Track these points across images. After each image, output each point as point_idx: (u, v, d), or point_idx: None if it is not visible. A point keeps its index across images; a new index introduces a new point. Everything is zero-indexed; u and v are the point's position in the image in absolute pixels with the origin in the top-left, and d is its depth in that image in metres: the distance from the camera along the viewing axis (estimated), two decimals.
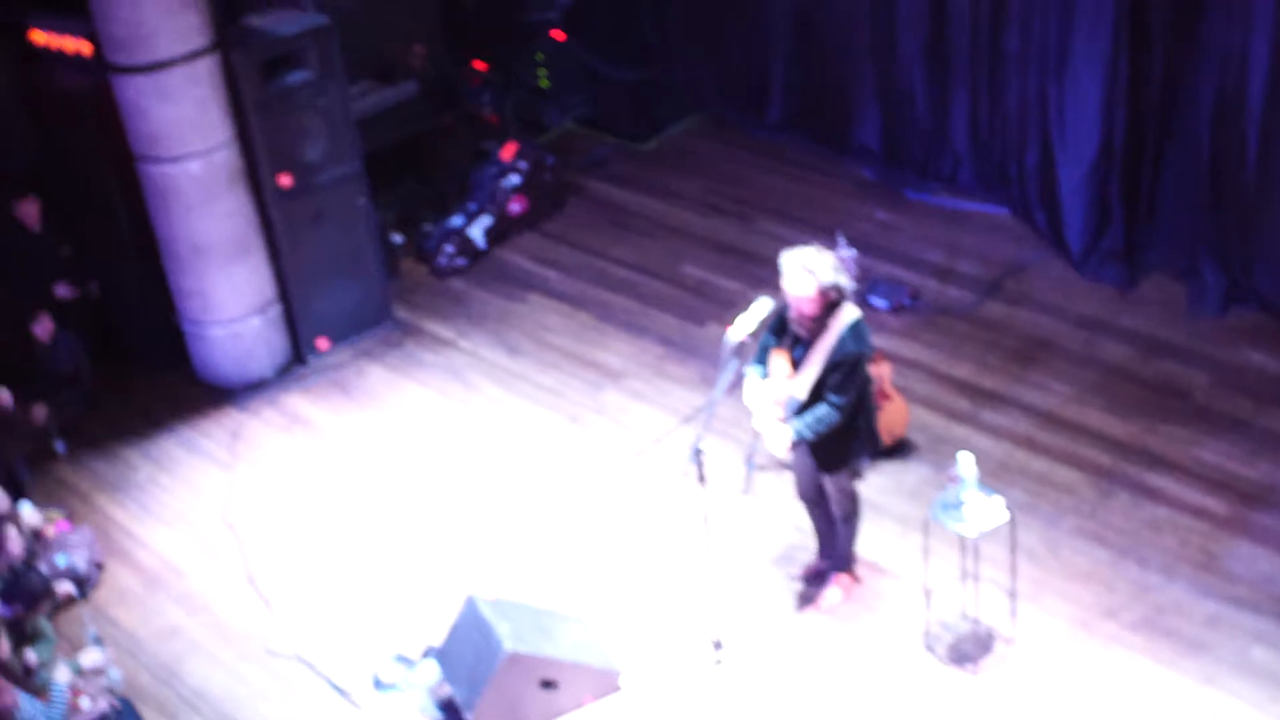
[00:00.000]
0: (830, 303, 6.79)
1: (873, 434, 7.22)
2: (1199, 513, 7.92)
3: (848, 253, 8.10)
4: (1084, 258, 10.04)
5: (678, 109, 12.70)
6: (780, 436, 6.86)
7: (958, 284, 10.18)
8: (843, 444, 7.03)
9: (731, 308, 7.05)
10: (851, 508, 7.40)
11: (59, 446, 9.45)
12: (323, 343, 10.17)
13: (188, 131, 9.27)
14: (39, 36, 9.67)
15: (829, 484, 7.26)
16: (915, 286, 10.10)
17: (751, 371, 7.05)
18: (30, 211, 9.63)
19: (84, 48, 9.34)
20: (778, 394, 6.96)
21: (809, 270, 6.73)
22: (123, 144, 9.39)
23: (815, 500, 7.48)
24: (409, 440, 9.32)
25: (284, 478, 9.14)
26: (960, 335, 9.65)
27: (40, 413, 9.30)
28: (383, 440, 9.36)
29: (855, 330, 6.82)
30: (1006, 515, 6.92)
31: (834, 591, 7.62)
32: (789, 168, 11.77)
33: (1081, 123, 9.89)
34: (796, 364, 6.94)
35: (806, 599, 7.68)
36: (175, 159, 9.28)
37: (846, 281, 6.88)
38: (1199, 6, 9.18)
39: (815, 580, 7.74)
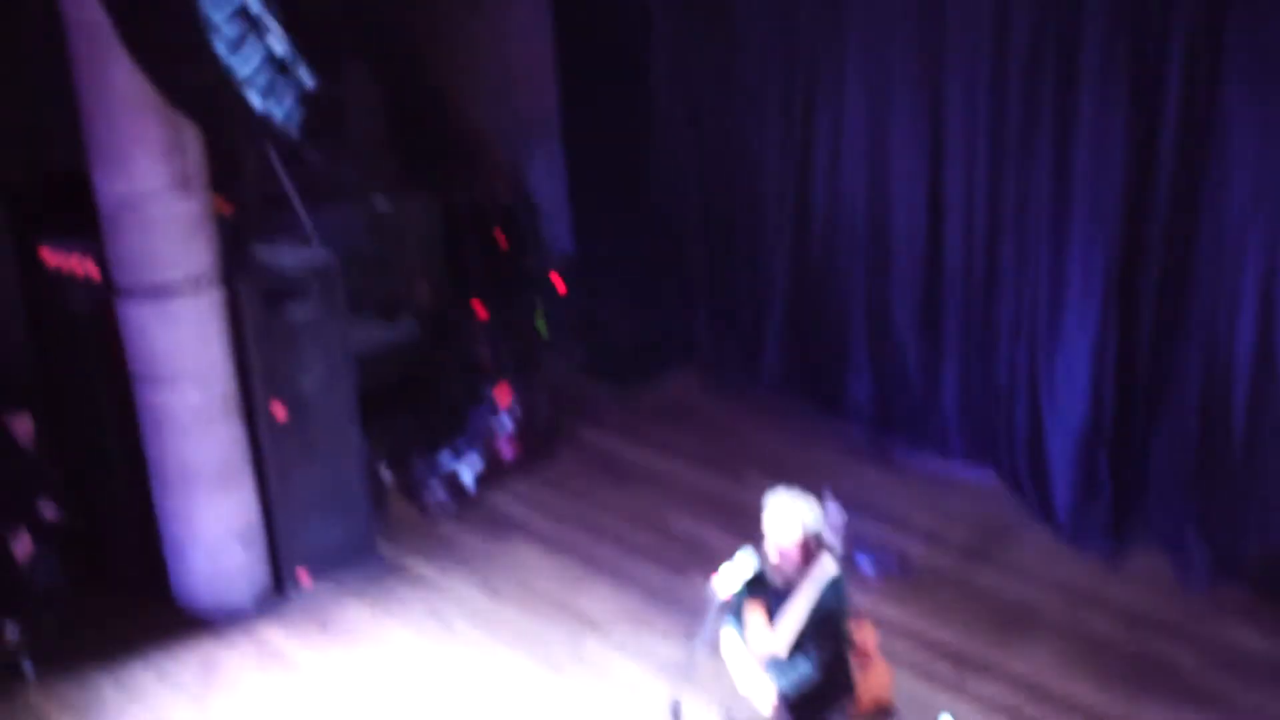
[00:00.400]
0: (810, 553, 6.77)
1: (850, 691, 7.09)
2: None
3: (836, 512, 8.09)
4: (1072, 528, 10.03)
5: (672, 361, 12.84)
6: (763, 693, 6.75)
7: (945, 549, 10.14)
8: (822, 701, 6.91)
9: (718, 561, 7.02)
10: None
11: (27, 668, 9.26)
12: (304, 576, 10.08)
13: (187, 357, 9.35)
14: (49, 256, 9.82)
15: None
16: (902, 549, 10.06)
17: (728, 627, 6.98)
18: (24, 427, 9.64)
19: (91, 269, 9.48)
20: (757, 649, 6.87)
21: (793, 517, 6.74)
22: (121, 366, 9.45)
23: None
24: (385, 680, 9.15)
25: (255, 713, 8.94)
26: (946, 600, 9.57)
27: (11, 632, 9.15)
28: (359, 679, 9.18)
29: (835, 586, 6.78)
30: None
31: None
32: (781, 424, 11.84)
33: (1071, 394, 10.00)
34: (773, 616, 6.87)
35: None
36: (173, 383, 9.34)
37: (827, 532, 6.87)
38: (1186, 286, 9.38)
39: None
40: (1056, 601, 9.46)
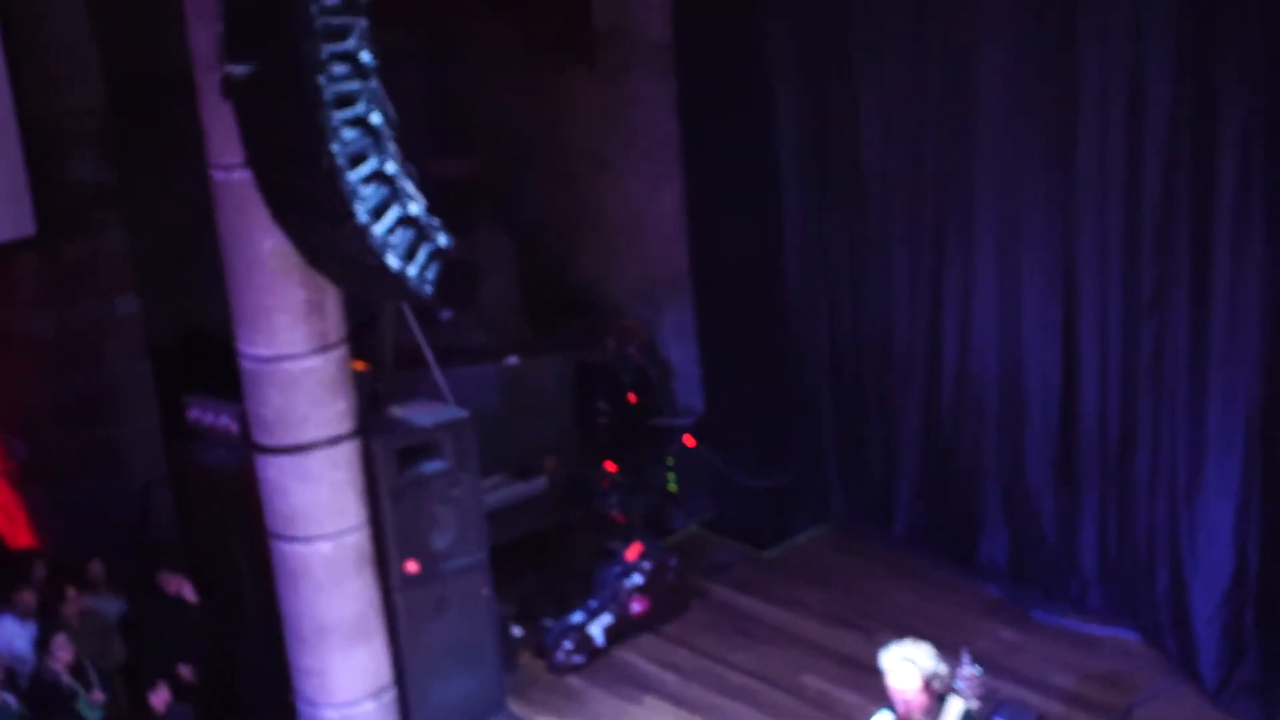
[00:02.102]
0: (936, 695, 6.66)
1: None
2: None
3: (972, 671, 7.94)
4: (1218, 689, 9.71)
5: (803, 518, 12.76)
6: None
7: (1086, 710, 9.87)
8: None
9: None
10: None
11: None
12: None
13: (323, 513, 9.46)
14: (193, 414, 10.08)
15: None
16: (1041, 711, 9.80)
17: None
18: (180, 585, 9.79)
19: (232, 427, 9.70)
20: None
21: (910, 661, 6.65)
22: (258, 522, 9.62)
23: None
24: None
25: None
26: None
27: None
28: None
29: (969, 718, 6.66)
30: None
31: None
32: (914, 582, 11.67)
33: (1213, 551, 9.76)
34: None
35: None
36: (308, 539, 9.45)
37: (963, 688, 6.77)
38: None
39: None
40: None
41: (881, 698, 6.90)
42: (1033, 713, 9.72)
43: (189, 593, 9.77)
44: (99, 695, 9.28)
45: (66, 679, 9.15)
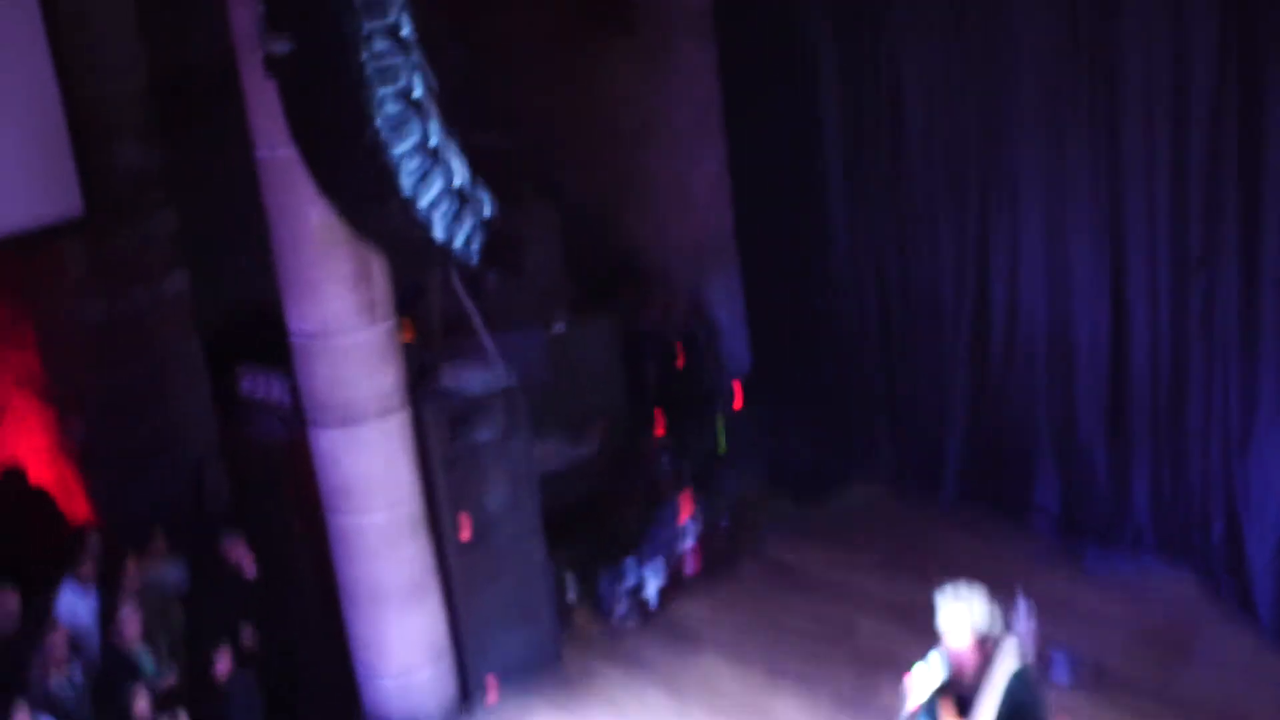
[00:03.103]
0: (987, 652, 6.68)
1: None
2: None
3: (1028, 621, 7.96)
4: (1275, 626, 9.71)
5: (853, 475, 12.79)
6: None
7: (1142, 652, 9.87)
8: None
9: (907, 669, 6.96)
10: None
11: None
12: (492, 693, 10.19)
13: (376, 483, 9.59)
14: (244, 386, 10.21)
15: None
16: (1098, 654, 9.82)
17: None
18: (241, 553, 9.91)
19: (284, 398, 9.82)
20: None
21: (962, 619, 6.67)
22: (312, 493, 9.74)
23: None
24: None
25: None
26: (1148, 713, 9.29)
27: None
28: None
29: (1021, 677, 6.69)
30: None
31: None
32: (966, 533, 11.66)
33: (1269, 498, 9.74)
34: (964, 717, 6.79)
35: None
36: (362, 506, 9.58)
37: (1001, 628, 6.80)
38: None
39: None
40: (1266, 703, 9.12)
41: (933, 646, 6.94)
42: (1088, 658, 9.73)
43: (249, 565, 9.89)
44: (172, 679, 9.41)
45: (134, 649, 9.28)
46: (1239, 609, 10.05)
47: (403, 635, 9.82)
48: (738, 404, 13.08)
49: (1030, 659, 7.44)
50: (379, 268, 9.41)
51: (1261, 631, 9.79)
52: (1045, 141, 10.73)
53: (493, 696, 10.17)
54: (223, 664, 9.49)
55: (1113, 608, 10.45)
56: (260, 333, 10.08)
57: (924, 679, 6.77)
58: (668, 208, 13.87)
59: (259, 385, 10.07)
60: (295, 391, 9.64)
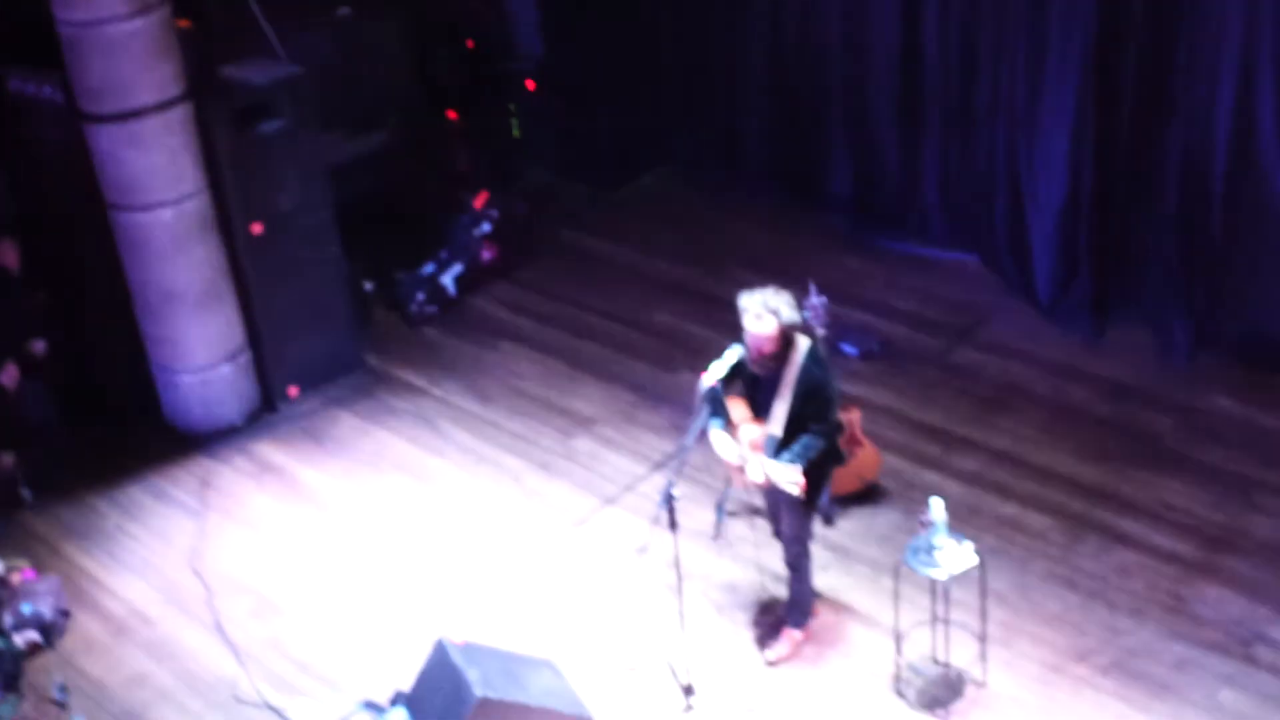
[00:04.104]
0: (788, 340, 6.88)
1: (840, 462, 7.44)
2: (1168, 557, 7.96)
3: (818, 300, 8.15)
4: (1053, 306, 10.12)
5: (650, 158, 12.77)
6: (786, 474, 6.84)
7: (928, 331, 10.25)
8: (817, 473, 7.09)
9: (703, 355, 7.12)
10: (801, 555, 7.44)
11: (26, 495, 9.38)
12: (293, 390, 10.17)
13: (160, 180, 9.28)
14: (14, 85, 9.68)
15: (786, 525, 7.31)
16: (885, 334, 10.17)
17: (713, 424, 7.08)
18: (9, 254, 9.55)
19: (57, 98, 9.35)
20: (754, 437, 6.99)
21: (770, 309, 6.83)
22: (97, 193, 9.40)
23: None
24: (379, 488, 9.31)
25: (253, 525, 9.11)
26: (930, 382, 9.71)
27: (6, 461, 9.25)
28: (353, 488, 9.34)
29: (814, 356, 6.94)
30: (977, 560, 6.94)
31: (780, 646, 7.62)
32: (761, 217, 11.83)
33: (1050, 174, 9.98)
34: (756, 407, 7.01)
35: (763, 647, 7.70)
36: (148, 207, 9.29)
37: (810, 318, 6.99)
38: (1164, 63, 9.29)
39: (774, 630, 7.74)
40: (1038, 378, 9.60)
41: (729, 331, 7.08)
42: (876, 335, 10.07)
43: (9, 260, 9.48)
44: None
45: None
46: (1019, 286, 10.41)
47: (198, 335, 9.68)
48: (531, 86, 12.85)
49: (820, 336, 7.73)
50: None
51: (1041, 310, 10.19)
52: None
53: (294, 393, 10.15)
54: (8, 374, 9.24)
55: (901, 286, 10.78)
56: (28, 29, 9.47)
57: (719, 370, 6.96)
58: None
59: (29, 83, 9.55)
60: (68, 87, 9.17)
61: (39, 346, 9.52)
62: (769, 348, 6.88)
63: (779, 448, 6.93)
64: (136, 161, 9.20)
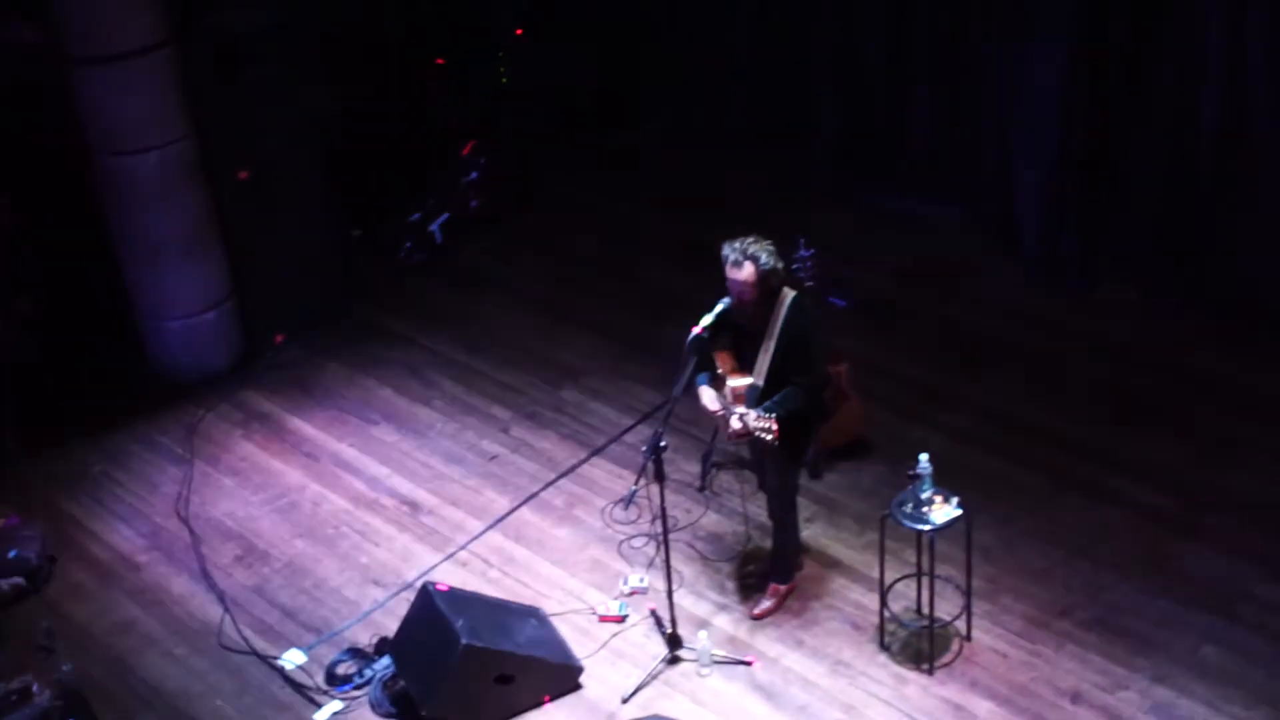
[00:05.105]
0: (770, 289, 6.86)
1: (825, 416, 7.52)
2: (1152, 513, 8.00)
3: (806, 253, 8.14)
4: (1039, 261, 10.11)
5: (640, 110, 12.71)
6: (766, 426, 6.83)
7: (914, 285, 10.25)
8: (802, 425, 7.11)
9: (690, 306, 7.10)
10: (787, 509, 7.47)
11: (12, 443, 9.35)
12: (279, 338, 10.14)
13: (145, 125, 9.22)
14: None
15: (771, 478, 7.33)
16: (872, 287, 10.15)
17: (698, 376, 7.09)
18: None
19: (37, 39, 9.26)
20: (737, 388, 6.99)
21: (749, 255, 6.82)
22: (81, 138, 9.33)
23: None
24: (366, 436, 9.30)
25: (240, 473, 9.10)
26: (917, 336, 9.72)
27: None
28: (340, 436, 9.33)
29: (797, 306, 6.95)
30: (961, 514, 6.96)
31: (765, 600, 7.65)
32: (749, 170, 11.78)
33: (1038, 129, 9.95)
34: (742, 359, 7.01)
35: (748, 599, 7.73)
36: (132, 153, 9.23)
37: (782, 264, 6.98)
38: (1156, 14, 9.26)
39: (760, 582, 7.77)
40: (1025, 332, 9.61)
41: (717, 284, 7.06)
42: (851, 292, 10.01)
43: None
44: None
45: None
46: (1006, 242, 10.40)
47: (184, 281, 9.64)
48: (518, 35, 12.75)
49: (806, 286, 7.72)
50: None
51: (1025, 263, 10.18)
52: None
53: (280, 341, 10.13)
54: None
55: (887, 241, 10.75)
56: None
57: (706, 319, 6.95)
58: None
59: (10, 25, 9.46)
60: (52, 33, 9.08)
61: (23, 305, 9.48)
62: (749, 294, 6.87)
63: (762, 398, 6.94)
64: (121, 106, 9.14)
